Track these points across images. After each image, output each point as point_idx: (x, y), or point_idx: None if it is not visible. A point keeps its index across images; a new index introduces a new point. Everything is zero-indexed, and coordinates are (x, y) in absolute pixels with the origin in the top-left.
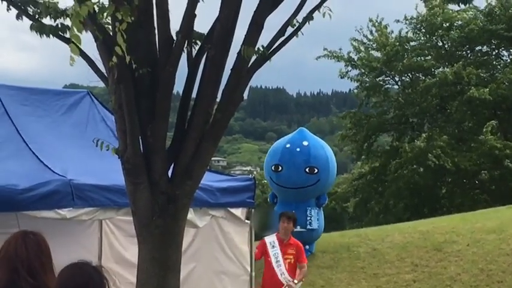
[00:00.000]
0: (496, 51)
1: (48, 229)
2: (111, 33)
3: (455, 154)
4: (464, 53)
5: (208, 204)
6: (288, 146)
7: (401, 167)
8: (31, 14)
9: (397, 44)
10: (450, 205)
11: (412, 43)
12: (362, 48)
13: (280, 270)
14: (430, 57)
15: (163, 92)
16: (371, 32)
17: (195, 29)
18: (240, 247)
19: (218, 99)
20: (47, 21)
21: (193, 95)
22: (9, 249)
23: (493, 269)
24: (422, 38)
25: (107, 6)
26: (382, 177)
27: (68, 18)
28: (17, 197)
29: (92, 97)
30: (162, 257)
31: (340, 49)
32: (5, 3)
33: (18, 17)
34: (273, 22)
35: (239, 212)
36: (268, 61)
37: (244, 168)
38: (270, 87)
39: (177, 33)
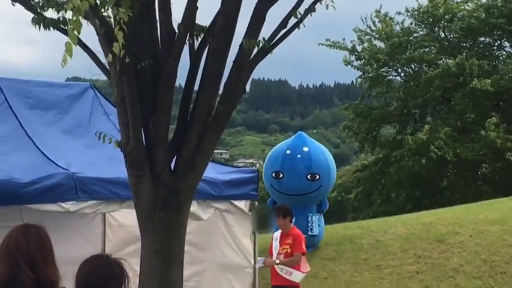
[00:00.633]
0: (499, 42)
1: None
2: (113, 26)
3: (457, 145)
4: (466, 44)
5: (211, 196)
6: (288, 152)
7: (404, 158)
8: (33, 6)
9: (401, 35)
10: (452, 196)
11: (414, 35)
12: (365, 39)
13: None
14: (432, 48)
15: (165, 84)
16: (374, 23)
17: (196, 21)
18: (243, 239)
19: (220, 92)
20: (50, 14)
21: (196, 87)
22: (11, 242)
23: (496, 260)
24: (424, 30)
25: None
26: (384, 168)
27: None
28: (20, 190)
29: (95, 90)
30: (165, 250)
31: (343, 39)
32: None
33: (13, 2)
34: (275, 14)
35: (242, 204)
36: (270, 53)
37: (247, 161)
38: (273, 80)
39: (179, 26)
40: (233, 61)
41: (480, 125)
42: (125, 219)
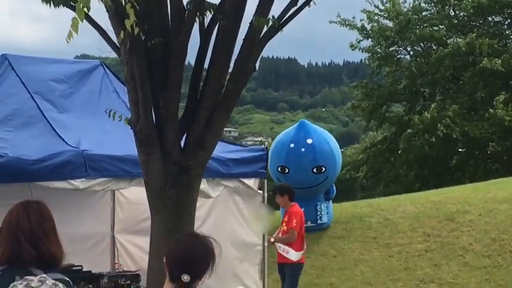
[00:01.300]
0: (509, 21)
1: (61, 200)
2: (123, 3)
3: (466, 124)
4: (476, 23)
5: (221, 174)
6: (292, 145)
7: (413, 137)
8: None
9: (410, 13)
10: (462, 175)
11: (424, 13)
12: (375, 18)
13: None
14: (442, 26)
15: (175, 62)
16: (382, 2)
17: None
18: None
19: (230, 70)
20: None
21: (206, 65)
22: (11, 220)
23: (505, 239)
24: (434, 8)
25: None
26: (393, 146)
27: None
28: (29, 167)
29: (105, 67)
30: (175, 227)
31: (353, 17)
32: None
33: None
34: None
35: (252, 182)
36: (280, 31)
37: (255, 139)
38: (282, 58)
39: (189, 3)
40: (243, 39)
41: (489, 104)
42: (134, 196)
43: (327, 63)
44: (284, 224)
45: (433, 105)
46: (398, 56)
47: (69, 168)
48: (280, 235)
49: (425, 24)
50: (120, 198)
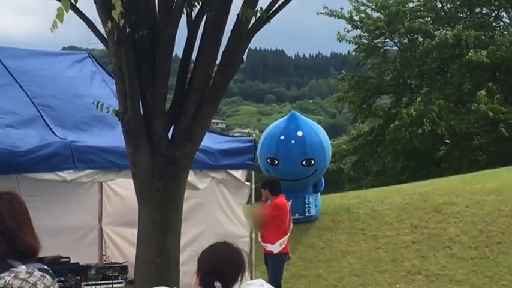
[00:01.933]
0: (496, 12)
1: (49, 191)
2: None
3: (452, 117)
4: (463, 15)
5: (208, 166)
6: (282, 137)
7: (400, 129)
8: None
9: (398, 5)
10: (449, 167)
11: (410, 4)
12: (362, 9)
13: None
14: (429, 19)
15: (163, 53)
16: None
17: None
18: (239, 209)
19: (218, 62)
20: None
21: (193, 57)
22: None
23: (492, 230)
24: (421, 0)
25: None
26: (380, 138)
27: None
28: (17, 159)
29: (92, 59)
30: (163, 219)
31: (341, 8)
32: None
33: None
34: None
35: (239, 174)
36: (268, 23)
37: (243, 131)
38: (269, 49)
39: None
40: (231, 30)
41: (476, 96)
42: (121, 188)
43: (314, 55)
44: None
45: (419, 99)
46: (385, 48)
47: (56, 160)
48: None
49: (412, 16)
50: (108, 190)
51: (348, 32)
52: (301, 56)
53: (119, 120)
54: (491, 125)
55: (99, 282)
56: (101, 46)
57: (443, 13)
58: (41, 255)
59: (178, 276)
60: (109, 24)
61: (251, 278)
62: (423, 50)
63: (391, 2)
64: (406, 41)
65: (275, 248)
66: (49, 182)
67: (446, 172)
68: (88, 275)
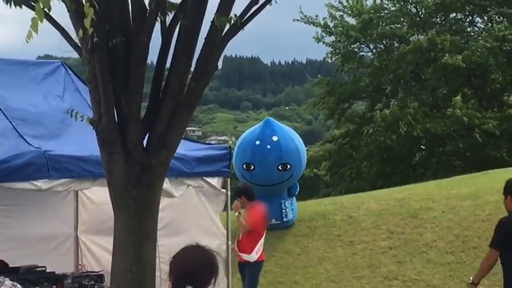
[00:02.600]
0: (470, 18)
1: (24, 200)
2: (84, 2)
3: (428, 121)
4: (438, 20)
5: (184, 173)
6: (257, 143)
7: (375, 133)
8: None
9: (372, 11)
10: (425, 172)
11: (385, 11)
12: (337, 15)
13: None
14: (404, 24)
15: (137, 60)
16: None
17: None
18: (216, 216)
19: (192, 69)
20: None
21: (168, 65)
22: None
23: (469, 235)
24: (396, 6)
25: None
26: (355, 142)
27: None
28: None
29: (66, 67)
30: (138, 227)
31: (316, 16)
32: None
33: None
34: None
35: (215, 181)
36: (242, 30)
37: (219, 138)
38: (244, 57)
39: (150, 2)
40: (205, 38)
41: (451, 101)
42: (97, 196)
43: (290, 62)
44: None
45: (394, 103)
46: (361, 54)
47: (31, 169)
48: (240, 235)
49: (387, 21)
50: (84, 198)
51: (320, 40)
52: (277, 63)
53: (94, 128)
54: (466, 130)
55: None
56: (75, 55)
57: (418, 18)
58: (17, 264)
59: (154, 284)
60: (80, 32)
61: (227, 287)
62: (398, 55)
63: (367, 8)
64: (382, 46)
65: (252, 257)
66: (24, 191)
67: (422, 177)
68: (64, 284)
